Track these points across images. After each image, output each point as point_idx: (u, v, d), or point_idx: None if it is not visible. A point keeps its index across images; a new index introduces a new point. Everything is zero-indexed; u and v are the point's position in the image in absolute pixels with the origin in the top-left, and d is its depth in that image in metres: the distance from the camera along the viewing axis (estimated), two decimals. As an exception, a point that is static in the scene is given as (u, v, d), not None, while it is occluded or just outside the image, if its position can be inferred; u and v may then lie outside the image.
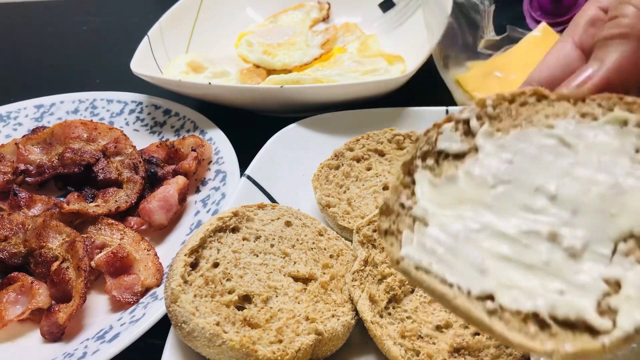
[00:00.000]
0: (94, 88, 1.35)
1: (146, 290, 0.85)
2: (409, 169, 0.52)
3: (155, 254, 0.90)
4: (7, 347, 0.82)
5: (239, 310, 0.69)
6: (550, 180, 0.46)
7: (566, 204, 0.44)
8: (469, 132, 0.51)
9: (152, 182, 1.06)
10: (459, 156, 0.50)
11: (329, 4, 1.55)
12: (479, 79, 1.16)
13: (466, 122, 0.52)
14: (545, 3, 1.35)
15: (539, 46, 1.18)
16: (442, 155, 0.51)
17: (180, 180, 1.01)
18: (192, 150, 1.07)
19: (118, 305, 0.85)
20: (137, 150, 1.11)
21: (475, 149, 0.50)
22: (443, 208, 0.47)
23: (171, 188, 0.99)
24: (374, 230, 0.79)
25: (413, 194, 0.50)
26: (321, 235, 0.83)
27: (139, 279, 0.85)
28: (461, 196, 0.48)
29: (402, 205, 0.49)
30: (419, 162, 0.52)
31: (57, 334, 0.81)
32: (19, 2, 2.04)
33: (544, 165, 0.47)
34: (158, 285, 0.85)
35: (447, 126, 0.52)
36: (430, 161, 0.51)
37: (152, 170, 1.06)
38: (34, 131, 1.20)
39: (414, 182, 0.51)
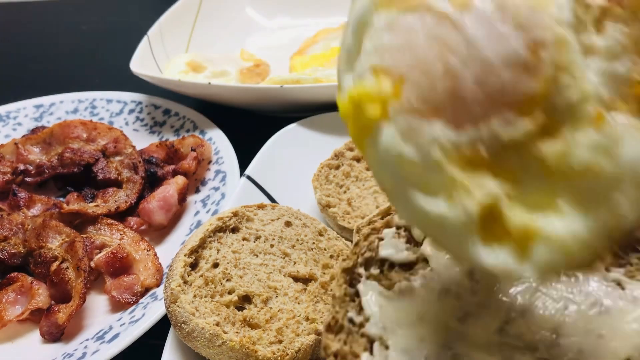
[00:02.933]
0: (93, 88, 1.35)
1: (146, 290, 0.85)
2: (351, 279, 0.46)
3: (155, 254, 0.90)
4: (6, 347, 0.82)
5: (238, 310, 0.69)
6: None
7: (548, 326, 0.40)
8: (412, 239, 0.46)
9: (152, 182, 1.06)
10: (407, 266, 0.45)
11: None
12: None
13: (407, 229, 0.46)
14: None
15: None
16: (386, 264, 0.46)
17: (180, 180, 1.01)
18: (192, 150, 1.06)
19: (118, 306, 0.84)
20: (137, 150, 1.10)
21: (425, 260, 0.45)
22: (402, 327, 0.42)
23: (171, 188, 0.99)
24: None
25: (361, 308, 0.45)
26: (321, 235, 0.82)
27: (139, 279, 0.85)
28: (421, 313, 0.42)
29: (352, 322, 0.44)
30: (361, 270, 0.47)
31: (56, 335, 0.80)
32: (19, 2, 2.04)
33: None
34: (158, 286, 0.85)
35: (388, 232, 0.47)
36: (374, 270, 0.46)
37: (152, 170, 1.06)
38: (33, 131, 1.20)
39: (357, 295, 0.46)
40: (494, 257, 0.33)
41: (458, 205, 0.34)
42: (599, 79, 0.34)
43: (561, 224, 0.33)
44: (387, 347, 0.42)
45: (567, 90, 0.34)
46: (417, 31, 0.36)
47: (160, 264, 0.89)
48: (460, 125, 0.35)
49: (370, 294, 0.45)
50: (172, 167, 1.07)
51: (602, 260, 0.40)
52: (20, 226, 0.95)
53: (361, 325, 0.44)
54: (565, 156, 0.34)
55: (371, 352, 0.42)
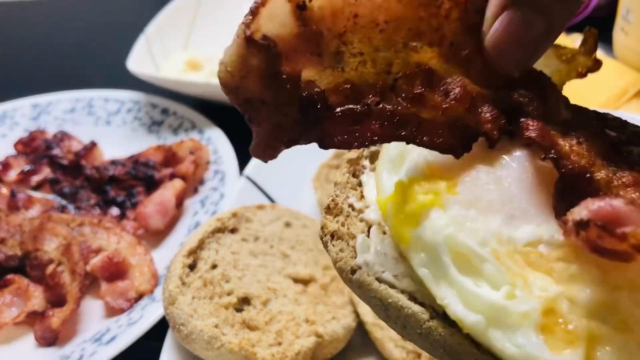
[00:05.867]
0: (91, 87, 1.34)
1: (140, 296, 0.84)
2: (354, 169, 0.48)
3: (151, 259, 0.89)
4: (3, 349, 0.82)
5: (237, 312, 0.68)
6: None
7: None
8: None
9: (149, 185, 1.05)
10: None
11: None
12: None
13: None
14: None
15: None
16: None
17: (177, 183, 1.01)
18: (190, 153, 1.05)
19: (112, 311, 0.83)
20: (131, 156, 1.09)
21: None
22: None
23: (168, 192, 0.98)
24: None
25: (362, 196, 0.46)
26: (321, 235, 0.82)
27: (133, 285, 0.85)
28: None
29: (352, 207, 0.45)
30: (366, 162, 0.48)
31: (50, 339, 0.80)
32: (16, 1, 2.03)
33: None
34: (152, 291, 0.84)
35: None
36: None
37: (149, 173, 1.05)
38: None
39: (360, 185, 0.47)
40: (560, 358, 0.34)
41: (520, 298, 0.35)
42: None
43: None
44: (384, 233, 0.43)
45: None
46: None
47: (156, 269, 0.88)
48: (518, 223, 0.37)
49: (372, 185, 0.46)
50: (170, 170, 1.06)
51: None
52: (18, 227, 0.94)
53: (360, 211, 0.45)
54: None
55: (368, 235, 0.43)
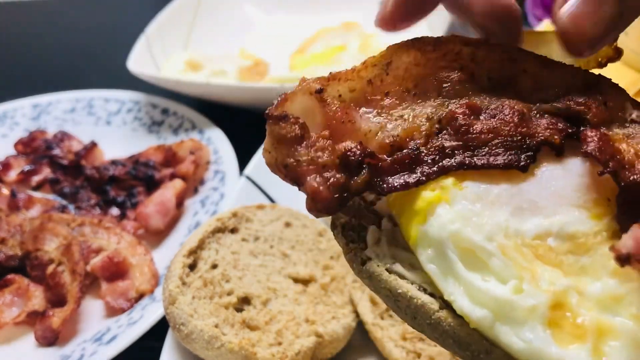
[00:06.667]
0: (91, 87, 1.34)
1: (140, 296, 0.84)
2: None
3: (152, 259, 0.90)
4: (3, 349, 0.82)
5: (237, 312, 0.68)
6: None
7: None
8: None
9: (149, 185, 1.05)
10: None
11: None
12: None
13: None
14: (548, 1, 1.34)
15: (542, 44, 1.17)
16: None
17: (178, 184, 1.01)
18: (191, 153, 1.06)
19: (112, 311, 0.83)
20: (130, 157, 1.08)
21: None
22: None
23: (168, 192, 0.98)
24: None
25: None
26: (321, 236, 0.82)
27: (134, 285, 0.85)
28: None
29: (363, 199, 0.45)
30: None
31: (50, 339, 0.80)
32: (16, 1, 2.03)
33: None
34: (152, 291, 0.84)
35: None
36: None
37: (149, 173, 1.05)
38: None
39: None
40: (568, 354, 0.33)
41: (527, 293, 0.35)
42: None
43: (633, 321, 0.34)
44: (395, 225, 0.43)
45: None
46: None
47: (156, 269, 0.88)
48: (525, 216, 0.37)
49: None
50: (170, 170, 1.06)
51: None
52: (19, 227, 0.94)
53: (372, 203, 0.45)
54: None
55: (379, 227, 0.43)
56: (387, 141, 0.40)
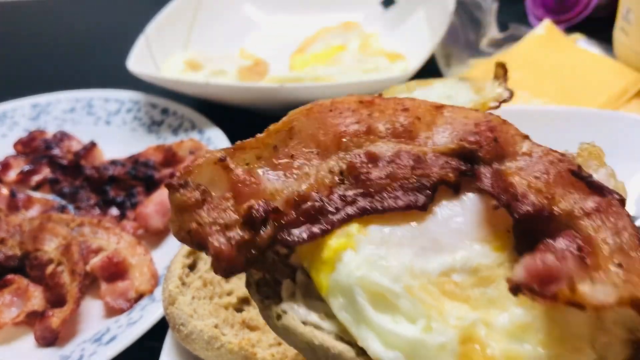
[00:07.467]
0: (90, 86, 1.34)
1: (140, 296, 0.84)
2: None
3: (151, 260, 0.89)
4: (2, 350, 0.81)
5: (237, 312, 0.68)
6: None
7: None
8: None
9: (149, 185, 1.05)
10: None
11: None
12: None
13: None
14: (548, 0, 1.34)
15: (542, 44, 1.17)
16: None
17: (178, 183, 1.00)
18: (190, 153, 1.05)
19: (112, 311, 0.83)
20: (130, 157, 1.08)
21: None
22: None
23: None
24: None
25: None
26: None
27: (133, 285, 0.85)
28: None
29: (277, 253, 0.44)
30: None
31: (50, 339, 0.80)
32: (16, 0, 2.03)
33: None
34: (152, 292, 0.84)
35: None
36: None
37: (149, 173, 1.05)
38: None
39: None
40: None
41: (436, 331, 0.35)
42: None
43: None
44: (309, 276, 0.43)
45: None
46: None
47: (156, 269, 0.88)
48: (430, 254, 0.38)
49: None
50: (170, 170, 1.06)
51: None
52: (18, 228, 0.94)
53: (286, 257, 0.45)
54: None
55: (293, 280, 0.43)
56: (292, 197, 0.40)
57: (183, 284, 0.68)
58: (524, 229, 0.37)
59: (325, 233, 0.39)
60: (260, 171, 0.43)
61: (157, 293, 0.83)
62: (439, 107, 0.45)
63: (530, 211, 0.37)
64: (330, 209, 0.40)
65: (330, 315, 0.41)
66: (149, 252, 0.91)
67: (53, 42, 1.77)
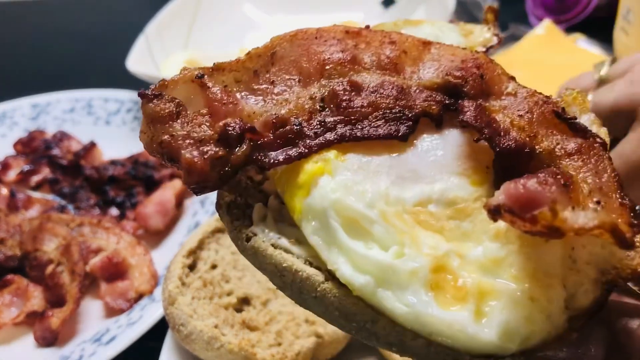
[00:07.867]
0: (90, 86, 1.34)
1: (140, 296, 0.84)
2: None
3: (151, 260, 0.89)
4: (3, 350, 0.81)
5: (237, 312, 0.68)
6: None
7: None
8: None
9: (149, 185, 1.05)
10: None
11: None
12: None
13: None
14: (548, 0, 1.34)
15: (542, 43, 1.17)
16: None
17: (177, 184, 1.01)
18: None
19: (112, 311, 0.83)
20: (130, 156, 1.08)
21: None
22: None
23: (167, 192, 0.98)
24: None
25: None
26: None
27: (133, 285, 0.85)
28: None
29: (251, 179, 0.44)
30: None
31: (50, 339, 0.80)
32: (16, 0, 2.03)
33: None
34: (152, 292, 0.84)
35: None
36: None
37: (148, 173, 1.05)
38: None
39: None
40: (449, 315, 0.34)
41: (408, 257, 0.35)
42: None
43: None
44: (282, 203, 0.43)
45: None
46: None
47: (155, 269, 0.88)
48: (407, 184, 0.38)
49: None
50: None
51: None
52: (18, 228, 0.94)
53: (259, 183, 0.44)
54: None
55: (265, 204, 0.43)
56: (270, 119, 0.39)
57: (183, 284, 0.68)
58: (504, 165, 0.37)
59: (302, 157, 0.38)
60: (238, 95, 0.41)
61: (157, 293, 0.83)
62: (427, 43, 0.44)
63: (512, 146, 0.37)
64: (308, 133, 0.39)
65: (300, 241, 0.40)
66: (149, 252, 0.91)
67: (53, 42, 1.77)
